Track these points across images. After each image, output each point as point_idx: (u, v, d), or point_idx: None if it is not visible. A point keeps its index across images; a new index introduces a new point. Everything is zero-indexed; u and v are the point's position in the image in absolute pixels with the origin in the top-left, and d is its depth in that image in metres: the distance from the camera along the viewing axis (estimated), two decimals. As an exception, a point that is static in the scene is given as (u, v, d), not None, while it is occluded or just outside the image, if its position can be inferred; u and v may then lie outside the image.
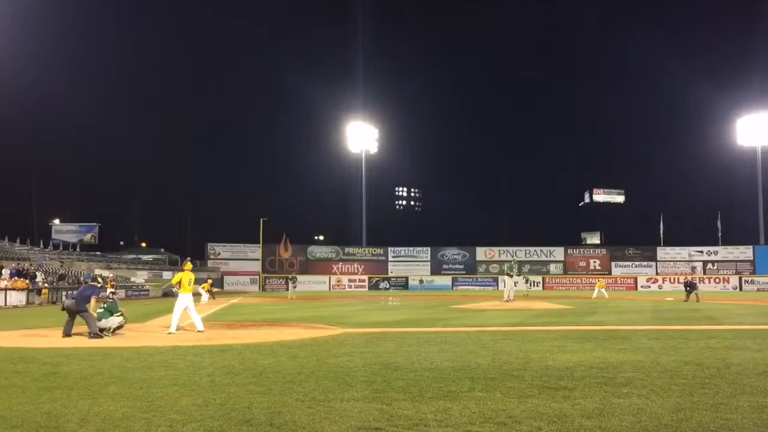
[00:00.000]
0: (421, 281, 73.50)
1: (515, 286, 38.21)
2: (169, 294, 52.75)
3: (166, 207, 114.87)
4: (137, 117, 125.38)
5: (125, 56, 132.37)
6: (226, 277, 72.60)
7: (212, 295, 39.87)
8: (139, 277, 59.31)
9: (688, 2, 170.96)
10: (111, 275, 48.77)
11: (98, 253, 69.78)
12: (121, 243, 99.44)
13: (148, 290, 52.11)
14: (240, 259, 75.70)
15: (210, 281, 41.35)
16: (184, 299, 16.14)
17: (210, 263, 74.41)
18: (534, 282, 71.01)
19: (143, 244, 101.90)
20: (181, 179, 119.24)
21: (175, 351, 12.24)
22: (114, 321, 15.68)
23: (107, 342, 14.09)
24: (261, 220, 72.19)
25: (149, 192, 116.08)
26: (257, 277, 73.70)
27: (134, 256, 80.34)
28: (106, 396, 7.76)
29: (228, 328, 18.09)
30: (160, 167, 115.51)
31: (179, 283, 16.28)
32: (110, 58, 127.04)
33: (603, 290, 45.71)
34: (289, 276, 51.82)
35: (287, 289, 53.77)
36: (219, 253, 76.03)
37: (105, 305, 15.92)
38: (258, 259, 74.60)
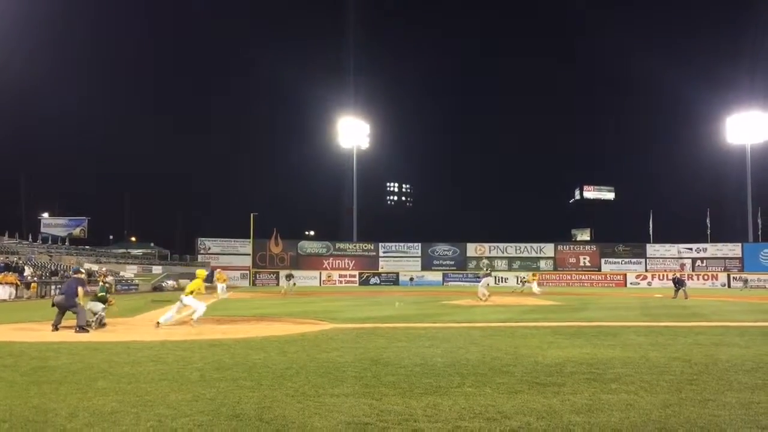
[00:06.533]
0: (411, 279, 73.42)
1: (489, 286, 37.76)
2: (159, 288, 52.59)
3: (156, 201, 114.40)
4: (129, 112, 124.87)
5: (119, 52, 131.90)
6: (216, 272, 72.24)
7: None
8: (129, 272, 59.03)
9: (679, 3, 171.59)
10: (105, 269, 48.59)
11: (87, 247, 69.43)
12: (111, 237, 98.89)
13: (137, 284, 51.90)
14: (230, 253, 75.46)
15: (223, 274, 39.90)
16: (188, 300, 16.57)
17: (200, 258, 74.16)
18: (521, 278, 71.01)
19: (133, 239, 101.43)
20: (172, 173, 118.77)
21: (165, 346, 12.21)
22: (98, 306, 15.89)
23: (96, 336, 14.04)
24: (251, 214, 72.06)
25: (139, 186, 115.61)
26: (247, 272, 73.53)
27: (124, 250, 79.92)
28: (94, 390, 7.73)
29: (218, 323, 18.06)
30: (151, 162, 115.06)
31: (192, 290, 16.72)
32: (104, 54, 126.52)
33: (533, 284, 43.65)
34: (287, 273, 51.56)
35: (278, 284, 53.63)
36: (209, 248, 75.78)
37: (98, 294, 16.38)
38: (248, 254, 74.45)
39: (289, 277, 46.86)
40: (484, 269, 40.06)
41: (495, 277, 44.52)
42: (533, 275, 49.61)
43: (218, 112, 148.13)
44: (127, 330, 15.67)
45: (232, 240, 76.61)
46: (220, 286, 36.57)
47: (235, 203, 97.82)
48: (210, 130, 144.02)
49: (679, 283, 37.56)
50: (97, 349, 11.76)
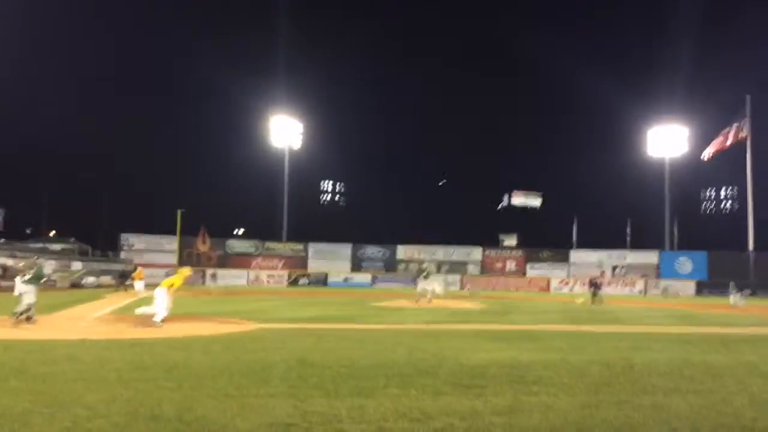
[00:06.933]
0: (345, 279, 73.11)
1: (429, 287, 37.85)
2: (78, 285, 50.81)
3: (78, 195, 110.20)
4: (51, 103, 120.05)
5: (42, 41, 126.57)
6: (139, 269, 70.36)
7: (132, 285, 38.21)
8: (47, 267, 56.71)
9: (605, 14, 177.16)
10: (22, 264, 46.47)
11: (2, 240, 66.32)
12: (28, 231, 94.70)
13: (54, 281, 49.95)
14: (155, 251, 73.45)
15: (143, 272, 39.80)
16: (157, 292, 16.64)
17: (123, 254, 72.00)
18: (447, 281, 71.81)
19: (52, 233, 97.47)
20: (95, 167, 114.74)
21: (83, 344, 11.82)
22: (32, 297, 15.31)
23: (10, 333, 13.46)
24: (179, 211, 70.40)
25: (60, 179, 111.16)
26: (173, 269, 71.72)
27: (42, 244, 76.67)
28: (5, 390, 7.41)
29: (140, 322, 17.56)
30: (72, 154, 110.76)
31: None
32: (24, 40, 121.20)
33: (436, 285, 42.40)
34: (212, 273, 50.76)
35: (204, 283, 52.77)
36: (133, 244, 73.66)
37: (32, 271, 16.21)
38: (174, 251, 72.68)
39: (214, 276, 46.37)
40: (422, 272, 39.90)
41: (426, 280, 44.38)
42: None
43: (146, 106, 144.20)
44: (43, 328, 15.08)
45: (158, 236, 74.59)
46: (138, 283, 35.93)
47: (161, 200, 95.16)
48: (136, 126, 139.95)
49: (595, 287, 38.08)
50: (10, 347, 11.28)
